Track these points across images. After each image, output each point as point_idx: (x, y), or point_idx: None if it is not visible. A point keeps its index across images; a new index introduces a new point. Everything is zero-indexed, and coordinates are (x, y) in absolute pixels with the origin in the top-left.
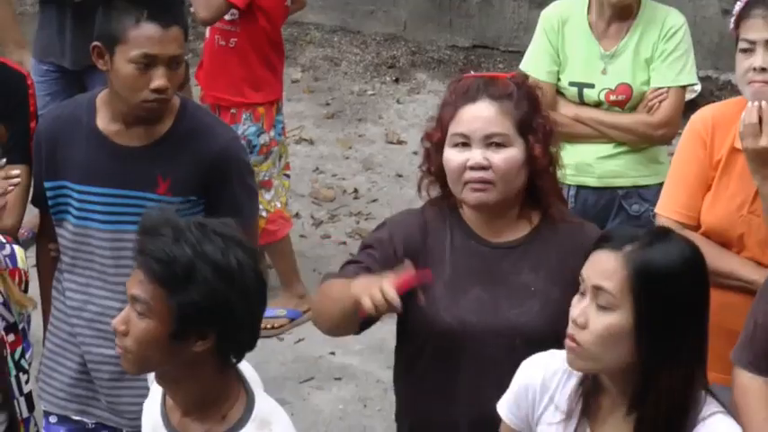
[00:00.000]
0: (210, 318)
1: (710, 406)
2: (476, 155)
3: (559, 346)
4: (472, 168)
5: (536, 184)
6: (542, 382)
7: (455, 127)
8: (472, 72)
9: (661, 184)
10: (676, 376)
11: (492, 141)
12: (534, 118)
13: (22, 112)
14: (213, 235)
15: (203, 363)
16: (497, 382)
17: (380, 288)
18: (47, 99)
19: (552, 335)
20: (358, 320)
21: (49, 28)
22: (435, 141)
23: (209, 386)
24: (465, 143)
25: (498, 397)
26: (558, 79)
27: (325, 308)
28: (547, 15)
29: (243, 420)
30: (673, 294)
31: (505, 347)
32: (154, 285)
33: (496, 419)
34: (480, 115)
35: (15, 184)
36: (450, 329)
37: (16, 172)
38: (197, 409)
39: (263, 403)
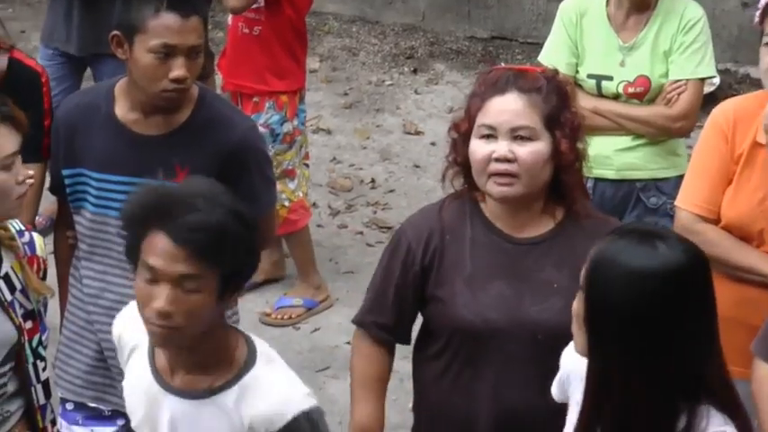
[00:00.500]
0: (248, 269)
1: (713, 426)
2: (501, 147)
3: None
4: (497, 160)
5: (561, 179)
6: (573, 367)
7: (482, 118)
8: (503, 64)
9: (679, 177)
10: (629, 384)
11: (518, 134)
12: (563, 113)
13: (36, 110)
14: (221, 190)
15: (221, 312)
16: (519, 377)
17: None
18: (52, 84)
19: None
20: None
21: (56, 13)
22: (462, 132)
23: (223, 333)
24: (491, 135)
25: (520, 392)
26: (577, 71)
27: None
28: (565, 7)
29: (251, 359)
30: (618, 297)
31: (527, 343)
32: (204, 259)
33: (518, 414)
34: (508, 107)
35: (29, 185)
36: (472, 326)
37: (30, 173)
38: (212, 359)
39: (258, 340)
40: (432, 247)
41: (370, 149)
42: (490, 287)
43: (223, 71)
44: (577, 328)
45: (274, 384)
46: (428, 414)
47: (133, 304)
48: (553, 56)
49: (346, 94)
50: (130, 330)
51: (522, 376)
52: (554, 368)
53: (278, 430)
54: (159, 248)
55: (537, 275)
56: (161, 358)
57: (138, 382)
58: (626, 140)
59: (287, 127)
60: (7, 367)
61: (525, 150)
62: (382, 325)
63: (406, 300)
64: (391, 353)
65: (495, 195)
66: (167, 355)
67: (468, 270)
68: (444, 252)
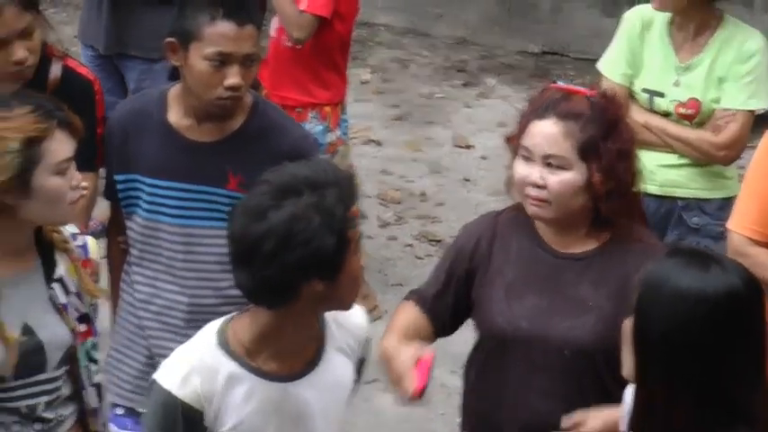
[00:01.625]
0: None
1: None
2: (534, 173)
3: (609, 359)
4: (530, 185)
5: (600, 208)
6: None
7: (524, 139)
8: (560, 83)
9: (725, 199)
10: (674, 411)
11: (549, 162)
12: (603, 142)
13: (88, 118)
14: None
15: None
16: (544, 389)
17: (401, 381)
18: None
19: (602, 350)
20: None
21: (89, 10)
22: (514, 147)
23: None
24: (529, 157)
25: (545, 404)
26: (632, 83)
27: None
28: (630, 18)
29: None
30: (666, 320)
31: (554, 357)
32: None
33: (541, 424)
34: (543, 132)
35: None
36: (502, 333)
37: (84, 184)
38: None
39: None
40: (480, 251)
41: (421, 162)
42: (527, 298)
43: (265, 82)
44: (626, 351)
45: None
46: (466, 414)
47: (168, 364)
48: (611, 65)
49: (397, 106)
50: (207, 379)
51: (548, 388)
52: (582, 383)
53: (362, 342)
54: None
55: (573, 291)
56: (268, 363)
57: (255, 404)
58: (672, 158)
59: (330, 137)
60: (62, 371)
61: (555, 179)
62: (422, 293)
63: (449, 288)
64: (430, 323)
65: (529, 214)
66: (283, 351)
67: (508, 278)
68: (491, 258)
